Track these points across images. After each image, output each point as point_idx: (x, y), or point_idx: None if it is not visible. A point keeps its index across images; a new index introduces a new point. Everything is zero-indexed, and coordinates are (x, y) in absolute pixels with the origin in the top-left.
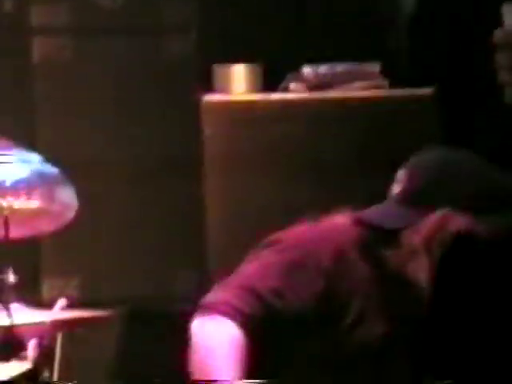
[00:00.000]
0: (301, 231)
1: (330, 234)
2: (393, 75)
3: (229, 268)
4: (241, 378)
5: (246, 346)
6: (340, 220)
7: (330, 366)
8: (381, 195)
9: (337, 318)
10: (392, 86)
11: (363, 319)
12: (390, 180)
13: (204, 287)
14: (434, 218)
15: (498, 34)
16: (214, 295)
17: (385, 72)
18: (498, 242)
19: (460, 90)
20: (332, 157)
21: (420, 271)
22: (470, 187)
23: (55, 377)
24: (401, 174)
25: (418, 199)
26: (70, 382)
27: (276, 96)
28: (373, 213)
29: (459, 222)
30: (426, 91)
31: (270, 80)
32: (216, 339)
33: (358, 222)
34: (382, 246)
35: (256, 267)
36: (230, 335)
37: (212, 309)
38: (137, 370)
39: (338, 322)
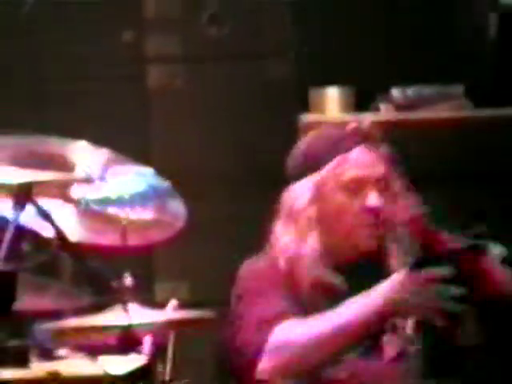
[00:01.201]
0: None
1: None
2: (478, 96)
3: None
4: None
5: None
6: None
7: None
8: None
9: None
10: (477, 106)
11: None
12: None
13: None
14: None
15: None
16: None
17: (470, 93)
18: None
19: None
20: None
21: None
22: None
23: (168, 373)
24: None
25: None
26: (182, 379)
27: (367, 116)
28: None
29: None
30: (509, 111)
31: (361, 101)
32: None
33: None
34: None
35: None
36: None
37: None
38: None
39: None
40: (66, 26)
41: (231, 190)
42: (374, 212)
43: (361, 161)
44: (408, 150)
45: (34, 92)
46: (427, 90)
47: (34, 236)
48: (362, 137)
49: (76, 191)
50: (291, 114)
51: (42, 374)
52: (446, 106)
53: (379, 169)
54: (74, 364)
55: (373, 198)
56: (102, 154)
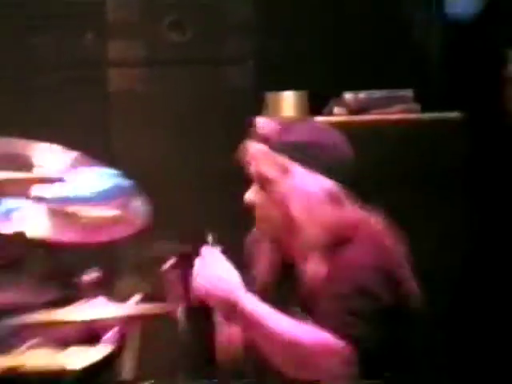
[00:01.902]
0: None
1: None
2: (425, 101)
3: None
4: None
5: None
6: None
7: None
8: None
9: None
10: (424, 110)
11: None
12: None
13: None
14: None
15: (508, 70)
16: None
17: (418, 98)
18: None
19: (487, 114)
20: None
21: None
22: None
23: (132, 367)
24: None
25: None
26: (147, 379)
27: (320, 119)
28: None
29: None
30: (454, 115)
31: (314, 105)
32: None
33: None
34: None
35: None
36: None
37: None
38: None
39: None
40: (28, 28)
41: (191, 191)
42: (249, 206)
43: (252, 157)
44: (360, 150)
45: None
46: (378, 94)
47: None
48: (261, 138)
49: (42, 190)
50: (249, 118)
51: (10, 365)
52: (395, 109)
53: (265, 168)
54: (40, 357)
55: (249, 193)
56: (68, 155)
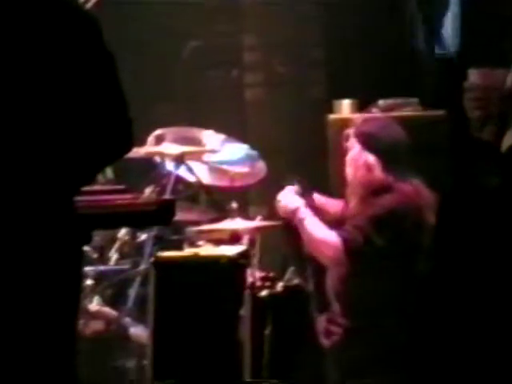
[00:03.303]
0: None
1: None
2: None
3: None
4: None
5: None
6: None
7: None
8: None
9: None
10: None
11: None
12: None
13: None
14: None
15: (466, 84)
16: None
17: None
18: None
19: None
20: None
21: None
22: None
23: (257, 261)
24: None
25: None
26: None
27: (364, 115)
28: None
29: None
30: (440, 112)
31: (361, 108)
32: None
33: None
34: None
35: None
36: None
37: None
38: None
39: None
40: None
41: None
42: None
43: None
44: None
45: None
46: (398, 100)
47: (185, 181)
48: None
49: (206, 157)
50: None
51: (189, 254)
52: (408, 110)
53: (347, 144)
54: (207, 249)
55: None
56: (220, 136)
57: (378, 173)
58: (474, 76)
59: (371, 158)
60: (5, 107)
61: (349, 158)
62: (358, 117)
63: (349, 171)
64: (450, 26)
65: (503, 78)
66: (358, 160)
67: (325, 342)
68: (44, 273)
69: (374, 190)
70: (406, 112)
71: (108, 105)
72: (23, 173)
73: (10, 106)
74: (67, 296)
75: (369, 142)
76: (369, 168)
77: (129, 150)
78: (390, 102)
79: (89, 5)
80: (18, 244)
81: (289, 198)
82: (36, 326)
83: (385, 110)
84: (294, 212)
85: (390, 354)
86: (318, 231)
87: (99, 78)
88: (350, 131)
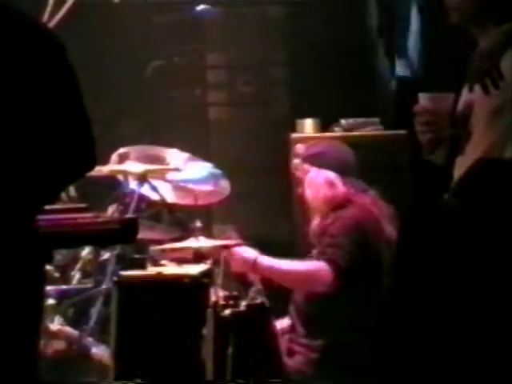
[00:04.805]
0: None
1: None
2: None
3: None
4: None
5: None
6: None
7: None
8: None
9: None
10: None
11: None
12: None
13: None
14: None
15: (416, 107)
16: None
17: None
18: None
19: None
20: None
21: None
22: None
23: (219, 284)
24: None
25: None
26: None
27: (326, 134)
28: None
29: None
30: (400, 132)
31: (324, 127)
32: None
33: None
34: None
35: None
36: None
37: None
38: None
39: None
40: None
41: (254, 181)
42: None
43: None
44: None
45: None
46: (359, 120)
47: (148, 199)
48: (297, 154)
49: (170, 175)
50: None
51: (152, 273)
52: (369, 129)
53: (298, 173)
54: (170, 268)
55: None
56: (183, 155)
57: (341, 186)
58: (424, 100)
59: (331, 174)
60: None
61: (308, 180)
62: (299, 146)
63: (309, 193)
64: (411, 48)
65: (454, 103)
66: (317, 178)
67: (288, 361)
68: (4, 292)
69: (339, 204)
70: (368, 131)
71: (71, 123)
72: None
73: None
74: (28, 315)
75: (321, 160)
76: (331, 184)
77: (91, 168)
78: (351, 121)
79: (52, 23)
80: None
81: (242, 250)
82: None
83: (347, 129)
84: (254, 261)
85: (355, 371)
86: (297, 266)
87: (61, 96)
88: (297, 161)
